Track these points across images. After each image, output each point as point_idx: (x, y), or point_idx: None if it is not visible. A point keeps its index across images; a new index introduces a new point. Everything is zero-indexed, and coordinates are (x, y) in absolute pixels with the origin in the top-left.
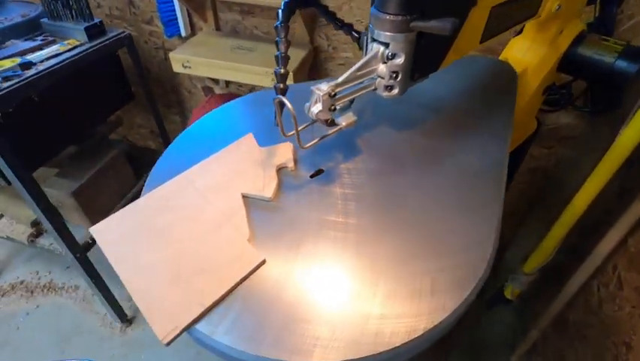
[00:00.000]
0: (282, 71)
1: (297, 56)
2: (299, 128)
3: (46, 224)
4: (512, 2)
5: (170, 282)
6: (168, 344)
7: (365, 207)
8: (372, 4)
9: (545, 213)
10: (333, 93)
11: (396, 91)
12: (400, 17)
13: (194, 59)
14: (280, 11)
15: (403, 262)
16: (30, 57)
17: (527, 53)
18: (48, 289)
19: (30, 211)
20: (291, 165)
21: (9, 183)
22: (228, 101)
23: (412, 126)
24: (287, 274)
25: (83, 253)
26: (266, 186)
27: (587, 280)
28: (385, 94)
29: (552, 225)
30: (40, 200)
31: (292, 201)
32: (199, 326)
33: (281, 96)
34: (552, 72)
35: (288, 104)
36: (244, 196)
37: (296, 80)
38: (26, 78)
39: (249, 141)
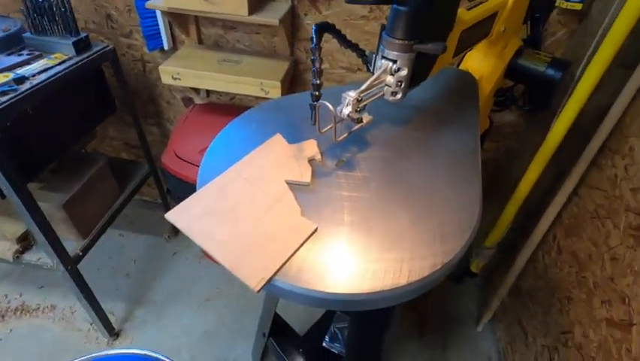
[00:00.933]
0: (318, 82)
1: (282, 67)
2: (326, 129)
3: (39, 237)
4: (474, 27)
5: (247, 249)
6: (258, 291)
7: (383, 186)
8: (381, 30)
9: (499, 196)
10: (359, 98)
11: (399, 96)
12: (405, 42)
13: (184, 71)
14: (314, 36)
15: (419, 221)
16: (21, 71)
17: (481, 64)
18: (21, 312)
19: (16, 227)
20: (318, 157)
21: (3, 197)
22: (211, 110)
23: (405, 123)
24: (334, 236)
25: (74, 266)
26: (303, 174)
27: (534, 251)
28: (391, 98)
29: (505, 206)
30: (35, 213)
31: (324, 184)
32: (278, 277)
33: (325, 102)
34: (500, 78)
35: (331, 107)
36: (287, 183)
37: (283, 89)
38: (22, 92)
39: (278, 139)
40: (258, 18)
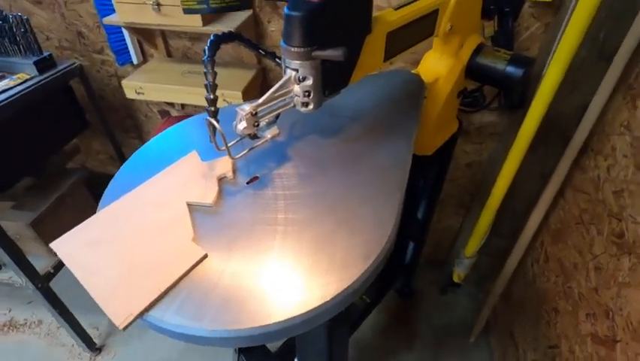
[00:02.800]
0: (212, 96)
1: (244, 77)
2: (230, 144)
3: (3, 257)
4: (406, 27)
5: (125, 279)
6: (124, 328)
7: (292, 204)
8: (282, 39)
9: (482, 201)
10: (254, 112)
11: (311, 106)
12: (302, 49)
13: (146, 85)
14: (207, 48)
15: (322, 244)
16: None
17: (438, 64)
18: (9, 328)
19: None
20: (229, 174)
21: None
22: None
23: (337, 134)
24: (225, 263)
25: (45, 283)
26: (207, 195)
27: (523, 258)
28: (303, 109)
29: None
30: None
31: (230, 205)
32: (151, 312)
33: (211, 118)
34: (461, 79)
35: (217, 125)
36: (189, 204)
37: (245, 99)
38: None
39: (192, 157)
40: (212, 29)
